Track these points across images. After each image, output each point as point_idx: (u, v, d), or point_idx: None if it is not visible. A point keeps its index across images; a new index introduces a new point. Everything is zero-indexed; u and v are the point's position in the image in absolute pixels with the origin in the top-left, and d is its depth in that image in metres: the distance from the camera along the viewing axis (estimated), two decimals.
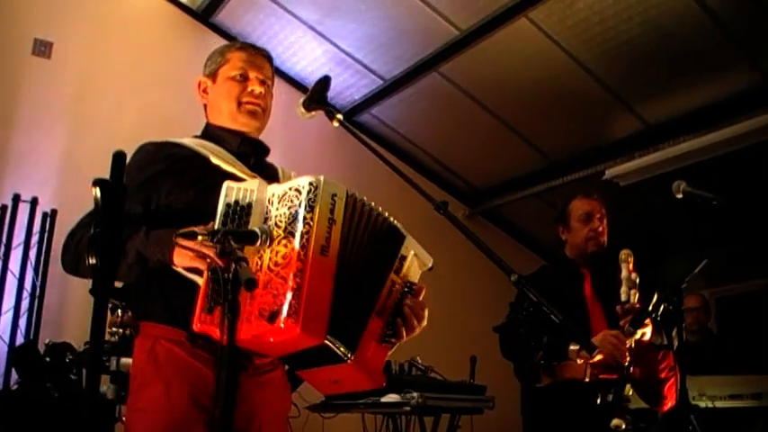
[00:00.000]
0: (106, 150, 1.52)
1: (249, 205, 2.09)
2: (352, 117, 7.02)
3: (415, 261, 2.26)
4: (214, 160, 2.36)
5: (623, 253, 3.29)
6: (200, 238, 1.90)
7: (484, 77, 6.24)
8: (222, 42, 6.42)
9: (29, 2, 5.87)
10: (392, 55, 6.31)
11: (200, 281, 2.01)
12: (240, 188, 2.12)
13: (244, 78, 2.48)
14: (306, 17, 6.16)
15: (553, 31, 5.55)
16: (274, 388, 2.36)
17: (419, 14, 5.77)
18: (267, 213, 2.08)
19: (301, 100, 2.42)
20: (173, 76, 6.19)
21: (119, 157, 1.33)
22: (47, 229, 5.37)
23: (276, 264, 1.99)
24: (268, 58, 2.58)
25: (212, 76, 2.54)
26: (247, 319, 1.97)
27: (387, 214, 2.23)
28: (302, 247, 1.98)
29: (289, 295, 1.93)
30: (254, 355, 2.26)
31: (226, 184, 2.13)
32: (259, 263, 2.02)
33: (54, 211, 5.40)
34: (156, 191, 2.27)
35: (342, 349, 2.04)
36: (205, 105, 2.57)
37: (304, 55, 6.51)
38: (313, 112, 2.41)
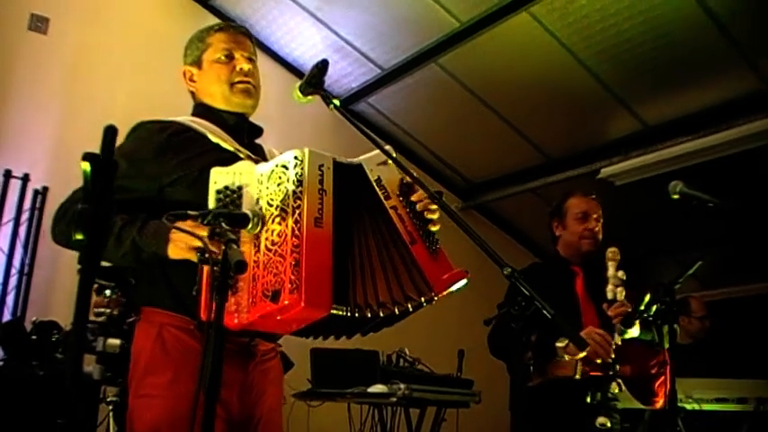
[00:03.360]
0: (100, 129, 1.49)
1: (240, 188, 2.09)
2: (349, 105, 6.97)
3: (383, 170, 2.25)
4: (213, 138, 2.34)
5: (610, 251, 3.32)
6: (190, 220, 1.88)
7: (483, 71, 6.21)
8: None
9: None
10: (391, 44, 6.27)
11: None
12: (228, 172, 2.12)
13: (229, 58, 2.46)
14: (305, 3, 6.12)
15: (554, 27, 5.53)
16: (274, 376, 2.37)
17: (420, 4, 5.74)
18: (259, 193, 2.09)
19: (297, 84, 2.38)
20: (169, 56, 6.07)
21: (110, 131, 1.30)
22: (37, 206, 5.34)
23: (273, 243, 2.00)
24: (248, 35, 2.56)
25: (197, 63, 2.51)
26: (252, 301, 1.99)
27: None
28: (296, 222, 1.99)
29: (289, 272, 1.94)
30: (260, 342, 2.25)
31: (213, 170, 2.13)
32: (257, 243, 2.03)
33: (45, 189, 5.36)
34: (163, 165, 2.25)
35: (423, 296, 2.13)
36: (192, 93, 2.54)
37: (302, 41, 6.47)
38: (309, 97, 2.38)
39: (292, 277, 1.93)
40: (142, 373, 2.19)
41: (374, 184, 2.21)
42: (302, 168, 2.04)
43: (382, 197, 2.19)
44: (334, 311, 2.01)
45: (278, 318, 1.99)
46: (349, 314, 2.04)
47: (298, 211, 1.99)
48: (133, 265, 2.21)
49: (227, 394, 1.84)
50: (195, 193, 2.16)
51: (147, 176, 2.24)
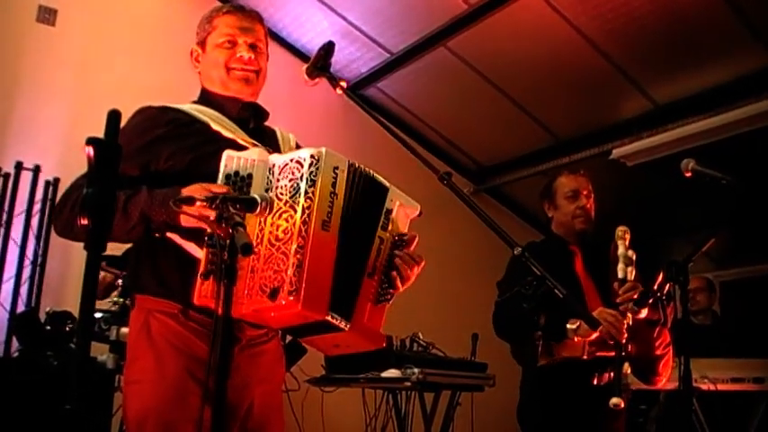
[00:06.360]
0: None
1: (249, 175, 2.08)
2: (358, 90, 6.94)
3: (401, 211, 2.23)
4: (214, 126, 2.33)
5: (620, 230, 3.27)
6: (198, 203, 1.88)
7: (492, 53, 6.17)
8: None
9: None
10: (399, 28, 6.24)
11: (200, 253, 1.99)
12: (240, 158, 2.11)
13: (232, 44, 2.43)
14: None
15: (563, 6, 5.48)
16: (268, 360, 2.36)
17: None
18: (268, 184, 2.08)
19: (304, 67, 2.38)
20: (178, 45, 6.10)
21: (113, 115, 1.29)
22: (49, 197, 5.34)
23: (277, 238, 2.00)
24: (258, 19, 2.51)
25: (202, 44, 2.50)
26: (248, 293, 1.98)
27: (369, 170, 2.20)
28: (303, 222, 1.98)
29: (290, 272, 1.93)
30: (246, 327, 2.25)
31: (225, 153, 2.12)
32: (259, 235, 2.02)
33: (57, 180, 5.36)
34: (156, 156, 2.24)
35: (339, 321, 2.05)
36: (199, 73, 2.53)
37: (311, 27, 6.44)
38: (316, 79, 2.37)
39: (293, 279, 1.93)
40: (130, 360, 2.23)
41: (384, 209, 2.19)
42: (317, 168, 2.02)
43: (380, 225, 2.18)
44: (330, 318, 2.02)
45: (271, 314, 2.00)
46: (339, 320, 2.04)
47: (307, 212, 1.98)
48: (142, 238, 2.20)
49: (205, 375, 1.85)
50: (192, 164, 2.19)
51: (139, 163, 2.23)
